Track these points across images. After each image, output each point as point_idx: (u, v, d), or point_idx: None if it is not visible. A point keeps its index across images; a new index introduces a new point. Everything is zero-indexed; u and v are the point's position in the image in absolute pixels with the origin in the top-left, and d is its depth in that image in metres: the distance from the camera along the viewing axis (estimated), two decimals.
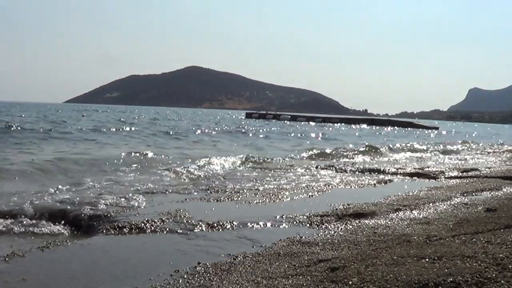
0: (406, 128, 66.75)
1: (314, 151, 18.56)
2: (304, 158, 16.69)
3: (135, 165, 12.49)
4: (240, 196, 8.34)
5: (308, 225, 6.27)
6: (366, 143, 24.20)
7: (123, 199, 7.63)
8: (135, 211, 6.83)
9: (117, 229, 5.83)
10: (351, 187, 9.99)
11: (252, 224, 6.18)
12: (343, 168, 13.46)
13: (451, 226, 5.79)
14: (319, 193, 8.98)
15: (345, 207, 7.36)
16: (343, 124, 72.73)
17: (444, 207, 7.39)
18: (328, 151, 18.99)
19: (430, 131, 63.21)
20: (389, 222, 6.24)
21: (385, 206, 7.42)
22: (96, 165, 12.21)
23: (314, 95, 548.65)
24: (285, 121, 73.82)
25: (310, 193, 8.87)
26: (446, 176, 12.07)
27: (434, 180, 11.32)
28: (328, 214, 6.79)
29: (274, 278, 3.98)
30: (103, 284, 4.05)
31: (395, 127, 67.77)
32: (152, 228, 5.92)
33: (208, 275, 4.19)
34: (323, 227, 6.11)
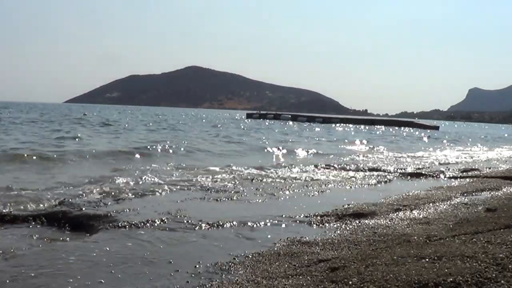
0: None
1: None
2: None
3: None
4: (240, 196, 8.34)
5: (308, 225, 6.27)
6: None
7: (122, 199, 7.64)
8: (135, 211, 6.83)
9: (117, 229, 5.83)
10: (351, 187, 9.99)
11: (252, 224, 6.17)
12: (342, 167, 13.46)
13: (451, 226, 5.79)
14: (319, 193, 8.99)
15: (345, 207, 7.36)
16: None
17: (444, 207, 7.39)
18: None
19: (428, 130, 63.20)
20: (389, 222, 6.24)
21: (385, 206, 7.42)
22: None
23: (314, 95, 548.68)
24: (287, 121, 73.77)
25: (310, 193, 8.87)
26: (446, 176, 12.07)
27: (434, 180, 11.32)
28: (328, 214, 6.79)
29: (274, 278, 3.98)
30: (103, 284, 4.05)
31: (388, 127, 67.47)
32: (152, 228, 5.92)
33: (208, 275, 4.19)
34: (323, 227, 6.12)
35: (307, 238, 5.46)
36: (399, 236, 5.34)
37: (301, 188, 9.45)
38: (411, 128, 67.31)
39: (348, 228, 5.95)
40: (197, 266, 4.43)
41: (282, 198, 8.29)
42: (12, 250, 4.86)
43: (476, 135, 54.09)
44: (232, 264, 4.47)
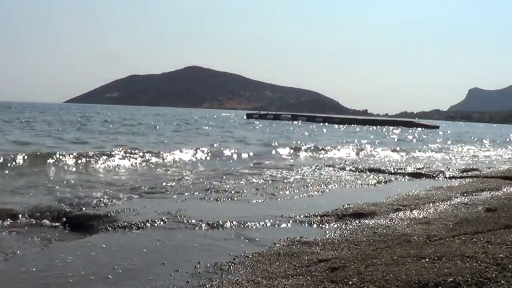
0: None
1: None
2: None
3: None
4: (240, 196, 8.34)
5: (308, 225, 6.27)
6: None
7: (123, 199, 7.65)
8: (135, 211, 6.83)
9: (117, 229, 5.83)
10: (351, 187, 9.99)
11: (252, 224, 6.18)
12: (342, 167, 13.46)
13: (451, 226, 5.79)
14: (319, 193, 8.99)
15: (345, 207, 7.35)
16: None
17: (444, 207, 7.39)
18: None
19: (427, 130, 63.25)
20: (389, 222, 6.24)
21: (385, 206, 7.42)
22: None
23: (314, 95, 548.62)
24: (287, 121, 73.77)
25: (310, 193, 8.87)
26: (446, 176, 12.07)
27: (434, 180, 11.32)
28: (328, 214, 6.79)
29: (274, 278, 3.98)
30: (103, 284, 4.05)
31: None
32: (152, 228, 5.92)
33: (208, 274, 4.19)
34: (323, 227, 6.12)
35: (307, 238, 5.46)
36: (399, 236, 5.34)
37: (301, 188, 9.45)
38: (411, 128, 67.41)
39: (348, 228, 5.94)
40: (197, 266, 4.43)
41: (282, 198, 8.29)
42: (12, 250, 4.87)
43: (475, 135, 54.07)
44: (232, 264, 4.47)
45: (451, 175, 12.21)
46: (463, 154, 22.14)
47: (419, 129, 66.37)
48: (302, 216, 6.70)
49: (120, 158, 13.41)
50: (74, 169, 11.37)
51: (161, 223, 6.13)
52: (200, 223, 6.13)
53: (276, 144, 22.84)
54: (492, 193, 8.94)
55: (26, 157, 12.47)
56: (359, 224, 6.17)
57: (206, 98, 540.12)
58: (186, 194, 8.45)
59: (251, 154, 16.98)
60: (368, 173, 12.49)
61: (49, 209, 6.67)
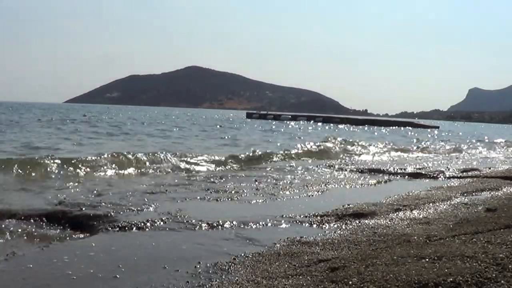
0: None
1: None
2: None
3: None
4: (240, 196, 8.34)
5: (308, 225, 6.27)
6: None
7: (122, 199, 7.64)
8: (135, 211, 6.83)
9: (117, 229, 5.83)
10: (351, 187, 9.99)
11: (252, 224, 6.18)
12: (342, 167, 13.46)
13: (451, 226, 5.79)
14: (319, 193, 8.99)
15: (345, 207, 7.35)
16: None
17: (444, 207, 7.39)
18: None
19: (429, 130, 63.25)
20: (389, 222, 6.24)
21: (385, 206, 7.42)
22: None
23: (314, 95, 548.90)
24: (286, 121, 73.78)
25: (310, 193, 8.87)
26: (446, 176, 12.07)
27: (434, 180, 11.32)
28: (328, 214, 6.79)
29: (274, 278, 3.98)
30: (103, 284, 4.05)
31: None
32: (152, 228, 5.92)
33: (208, 275, 4.19)
34: (323, 227, 6.12)
35: (307, 238, 5.46)
36: (399, 236, 5.34)
37: (301, 188, 9.45)
38: (411, 128, 67.43)
39: (348, 228, 5.94)
40: (197, 266, 4.43)
41: (282, 198, 8.29)
42: (12, 250, 4.87)
43: (474, 134, 54.00)
44: (232, 264, 4.47)
45: (451, 175, 12.21)
46: (463, 155, 22.12)
47: (419, 129, 66.39)
48: (302, 216, 6.70)
49: (121, 160, 13.40)
50: (74, 170, 11.35)
51: (161, 223, 6.13)
52: (200, 223, 6.13)
53: (278, 143, 22.85)
54: (492, 193, 8.94)
55: (26, 158, 12.48)
56: (359, 224, 6.17)
57: (206, 98, 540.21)
58: (186, 194, 8.46)
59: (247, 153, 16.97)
60: (368, 173, 12.49)
61: (49, 209, 6.67)
